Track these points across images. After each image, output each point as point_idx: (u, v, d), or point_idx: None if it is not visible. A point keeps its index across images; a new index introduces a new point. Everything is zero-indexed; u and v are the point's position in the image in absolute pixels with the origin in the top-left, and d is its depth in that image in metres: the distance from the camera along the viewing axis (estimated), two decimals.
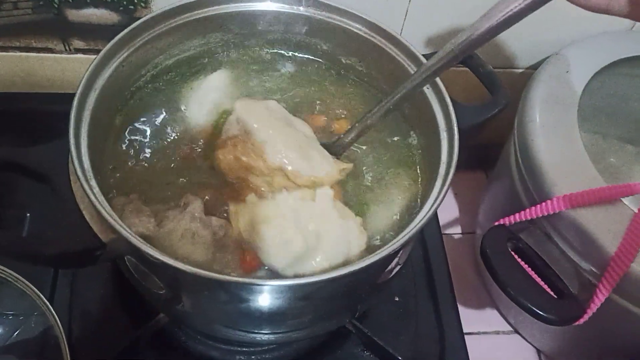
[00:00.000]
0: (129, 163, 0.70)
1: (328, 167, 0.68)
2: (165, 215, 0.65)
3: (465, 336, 0.88)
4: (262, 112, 0.70)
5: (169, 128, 0.73)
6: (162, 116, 0.74)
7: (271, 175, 0.67)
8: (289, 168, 0.66)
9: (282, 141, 0.67)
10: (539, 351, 1.06)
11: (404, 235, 0.59)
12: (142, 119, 0.73)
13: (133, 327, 0.79)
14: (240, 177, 0.68)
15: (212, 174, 0.69)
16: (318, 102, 0.78)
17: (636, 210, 0.77)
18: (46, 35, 0.96)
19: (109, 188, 0.67)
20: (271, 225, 0.62)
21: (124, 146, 0.71)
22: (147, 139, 0.72)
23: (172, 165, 0.70)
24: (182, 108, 0.75)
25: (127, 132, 0.72)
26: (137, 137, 0.72)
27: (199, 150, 0.71)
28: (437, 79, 0.70)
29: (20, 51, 0.98)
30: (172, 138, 0.72)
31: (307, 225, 0.63)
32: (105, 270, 0.84)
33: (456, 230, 1.22)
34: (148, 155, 0.71)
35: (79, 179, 0.57)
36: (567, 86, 0.90)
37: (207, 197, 0.67)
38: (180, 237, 0.63)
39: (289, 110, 0.75)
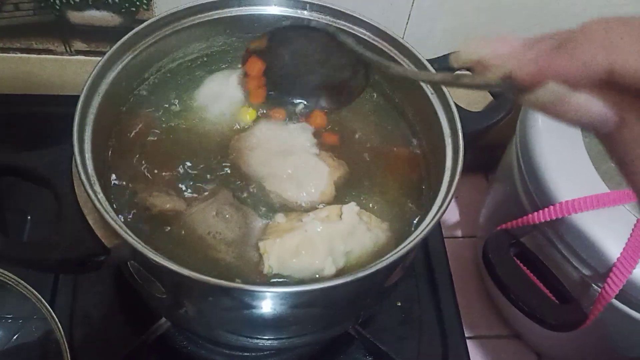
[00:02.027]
0: (138, 161, 0.70)
1: (322, 186, 0.69)
2: (195, 198, 0.66)
3: (467, 340, 0.88)
4: (254, 148, 0.71)
5: (175, 128, 0.73)
6: (167, 117, 0.74)
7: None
8: (289, 200, 0.68)
9: (274, 176, 0.69)
10: (540, 356, 1.06)
11: (409, 243, 0.58)
12: (146, 122, 0.73)
13: (135, 332, 0.78)
14: None
15: (226, 172, 0.70)
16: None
17: (639, 216, 0.77)
18: (47, 36, 0.96)
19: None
20: (302, 257, 0.62)
21: (131, 146, 0.70)
22: (154, 140, 0.71)
23: (185, 162, 0.70)
24: (189, 110, 0.75)
25: (132, 133, 0.71)
26: (142, 139, 0.71)
27: (211, 147, 0.72)
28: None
29: (21, 52, 0.98)
30: (179, 138, 0.72)
31: (338, 248, 0.63)
32: (107, 274, 0.84)
33: (456, 234, 1.21)
34: (156, 154, 0.70)
35: (82, 183, 0.57)
36: None
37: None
38: (215, 214, 0.64)
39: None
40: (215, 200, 0.66)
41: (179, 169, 0.69)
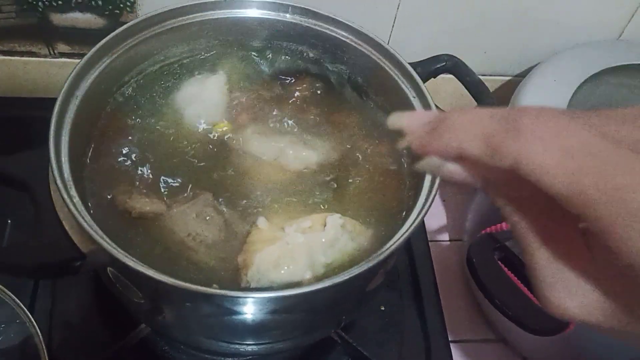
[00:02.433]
0: (118, 165, 0.69)
1: (322, 148, 0.73)
2: (175, 200, 0.66)
3: (452, 344, 0.87)
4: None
5: (154, 131, 0.72)
6: (146, 120, 0.73)
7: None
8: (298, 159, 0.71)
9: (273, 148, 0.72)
10: (526, 359, 1.06)
11: (390, 246, 0.58)
12: (125, 125, 0.72)
13: (115, 337, 0.78)
14: None
15: (205, 173, 0.69)
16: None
17: None
18: (30, 39, 0.95)
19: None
20: (282, 271, 0.61)
21: (110, 150, 0.70)
22: (133, 143, 0.71)
23: (165, 166, 0.70)
24: (169, 113, 0.74)
25: (111, 137, 0.71)
26: (121, 142, 0.71)
27: (190, 150, 0.71)
28: (424, 88, 0.70)
29: (4, 55, 0.97)
30: (159, 141, 0.72)
31: (318, 260, 0.63)
32: (87, 279, 0.83)
33: (444, 237, 1.21)
34: (135, 157, 0.70)
35: (58, 188, 0.56)
36: (554, 95, 0.90)
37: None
38: (195, 216, 0.64)
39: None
40: (195, 202, 0.65)
41: (159, 172, 0.68)
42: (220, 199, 0.67)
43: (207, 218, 0.65)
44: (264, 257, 0.61)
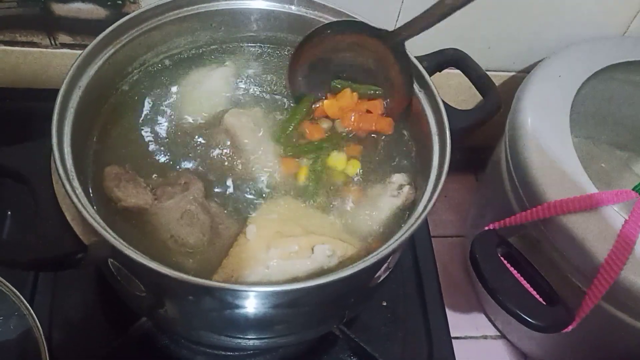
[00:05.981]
0: (120, 145, 0.69)
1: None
2: (165, 191, 0.64)
3: (453, 340, 0.87)
4: (249, 126, 0.72)
5: (157, 123, 0.72)
6: (148, 113, 0.73)
7: None
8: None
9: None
10: (526, 356, 1.06)
11: (394, 241, 0.58)
12: (129, 115, 0.72)
13: (116, 331, 0.77)
14: None
15: (204, 160, 0.69)
16: None
17: (626, 217, 0.77)
18: (31, 29, 0.94)
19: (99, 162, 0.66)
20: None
21: (112, 139, 0.70)
22: (135, 132, 0.71)
23: (164, 154, 0.70)
24: (172, 105, 0.74)
25: (113, 127, 0.71)
26: (124, 132, 0.71)
27: (189, 139, 0.71)
28: (430, 81, 0.69)
29: (5, 45, 0.96)
30: (161, 132, 0.72)
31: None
32: (88, 272, 0.82)
33: (446, 233, 1.21)
34: (137, 141, 0.70)
35: (61, 179, 0.55)
36: (559, 90, 0.90)
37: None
38: (180, 217, 0.63)
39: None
40: (183, 198, 0.63)
41: (157, 160, 0.68)
42: (215, 189, 0.66)
43: (194, 219, 0.63)
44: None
